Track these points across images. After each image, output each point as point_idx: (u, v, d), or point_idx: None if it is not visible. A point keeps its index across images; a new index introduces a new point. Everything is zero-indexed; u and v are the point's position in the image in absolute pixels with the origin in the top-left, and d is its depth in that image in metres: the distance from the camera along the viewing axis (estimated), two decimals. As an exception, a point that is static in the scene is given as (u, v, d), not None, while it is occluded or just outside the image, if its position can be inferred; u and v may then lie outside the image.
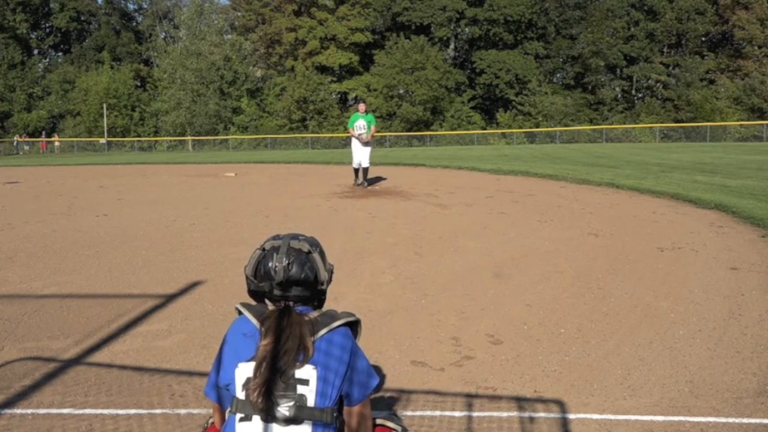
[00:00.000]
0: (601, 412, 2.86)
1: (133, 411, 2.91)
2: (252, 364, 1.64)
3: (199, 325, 4.15)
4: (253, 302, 1.82)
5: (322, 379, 1.63)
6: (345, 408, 1.73)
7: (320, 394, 1.63)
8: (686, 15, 47.75)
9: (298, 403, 1.61)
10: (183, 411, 2.90)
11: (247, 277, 1.78)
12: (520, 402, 2.97)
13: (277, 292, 1.72)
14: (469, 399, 3.02)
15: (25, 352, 3.70)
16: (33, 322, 4.26)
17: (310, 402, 1.62)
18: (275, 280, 1.71)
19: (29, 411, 2.93)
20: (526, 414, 2.86)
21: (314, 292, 1.77)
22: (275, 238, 1.80)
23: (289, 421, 1.61)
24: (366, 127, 12.31)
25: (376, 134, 12.78)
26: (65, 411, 2.92)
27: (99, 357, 3.62)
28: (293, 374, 1.62)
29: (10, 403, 3.02)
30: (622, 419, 2.79)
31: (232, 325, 1.77)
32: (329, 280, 1.82)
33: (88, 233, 7.71)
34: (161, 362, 3.53)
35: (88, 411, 2.91)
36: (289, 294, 1.73)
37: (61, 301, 4.73)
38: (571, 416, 2.83)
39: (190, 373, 3.34)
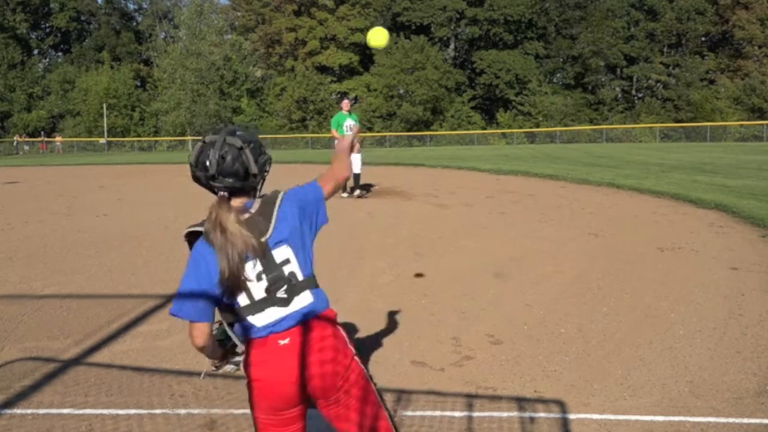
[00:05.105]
0: (601, 412, 2.86)
1: (133, 411, 2.91)
2: (255, 262, 1.80)
3: (199, 325, 4.15)
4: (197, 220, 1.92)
5: (299, 251, 1.86)
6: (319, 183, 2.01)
7: (303, 265, 1.86)
8: (686, 15, 47.70)
9: (293, 281, 1.84)
10: (183, 411, 2.90)
11: (190, 165, 1.91)
12: (520, 402, 2.97)
13: (212, 182, 1.87)
14: (469, 399, 3.02)
15: (25, 352, 3.70)
16: (33, 322, 4.26)
17: (300, 276, 1.85)
18: (209, 172, 1.85)
19: (29, 411, 2.94)
20: (526, 414, 2.86)
21: (246, 183, 1.89)
22: (215, 132, 1.92)
23: (289, 301, 1.83)
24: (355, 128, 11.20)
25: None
26: (65, 411, 2.92)
27: (99, 357, 3.63)
28: (273, 259, 1.82)
29: (10, 403, 3.02)
30: (622, 419, 2.79)
31: (194, 249, 1.86)
32: (265, 171, 1.95)
33: (88, 233, 7.71)
34: (161, 362, 3.53)
35: (88, 411, 2.91)
36: (223, 184, 1.86)
37: (61, 301, 4.73)
38: (571, 416, 2.83)
39: (190, 373, 3.34)
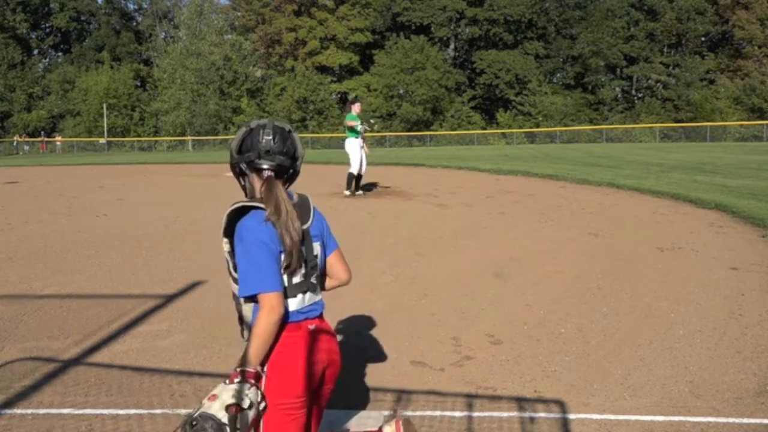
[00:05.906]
0: (601, 412, 2.86)
1: (133, 411, 2.91)
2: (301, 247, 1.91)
3: (199, 325, 4.15)
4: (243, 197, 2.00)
5: (323, 251, 2.04)
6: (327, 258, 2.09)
7: (322, 263, 2.04)
8: (686, 15, 47.70)
9: (320, 272, 2.01)
10: (183, 411, 2.90)
11: (231, 153, 2.01)
12: (520, 402, 2.98)
13: (262, 160, 1.95)
14: (469, 399, 3.02)
15: (25, 352, 3.70)
16: (33, 322, 4.26)
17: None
18: (262, 150, 1.95)
19: (29, 411, 2.94)
20: (526, 414, 2.86)
21: (291, 164, 2.00)
22: (259, 119, 2.06)
23: (316, 287, 1.99)
24: (364, 130, 11.23)
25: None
26: (65, 411, 2.92)
27: (99, 357, 3.63)
28: (312, 247, 1.97)
29: (10, 403, 3.02)
30: (622, 419, 2.79)
31: (248, 224, 1.86)
32: (301, 160, 2.06)
33: (88, 233, 7.71)
34: (161, 362, 3.53)
35: (88, 411, 2.91)
36: (273, 162, 1.95)
37: (61, 301, 4.73)
38: (571, 416, 2.83)
39: (190, 373, 3.34)
